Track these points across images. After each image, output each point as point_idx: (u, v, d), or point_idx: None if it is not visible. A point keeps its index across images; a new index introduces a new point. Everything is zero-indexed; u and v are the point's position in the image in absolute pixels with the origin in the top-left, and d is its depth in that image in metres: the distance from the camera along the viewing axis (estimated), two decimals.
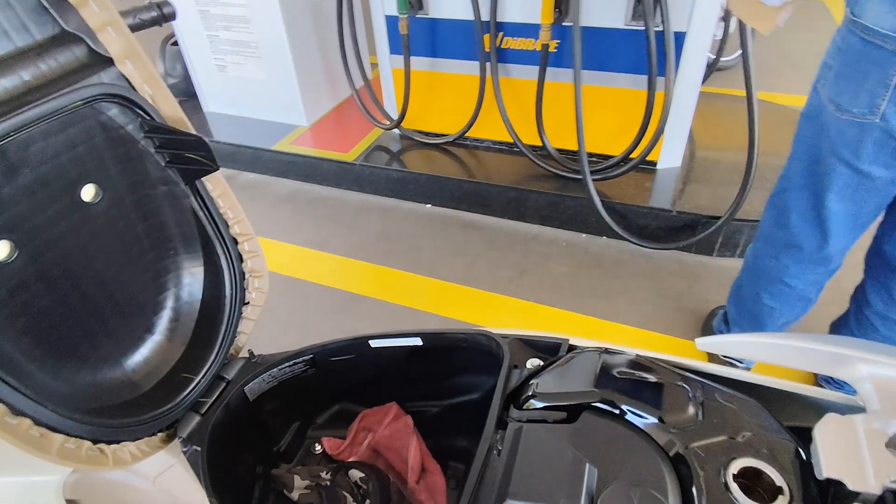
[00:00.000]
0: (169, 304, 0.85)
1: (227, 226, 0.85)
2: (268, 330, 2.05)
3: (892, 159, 1.10)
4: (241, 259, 0.87)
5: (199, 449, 0.77)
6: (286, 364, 0.91)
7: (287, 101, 2.91)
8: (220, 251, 0.85)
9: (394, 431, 0.99)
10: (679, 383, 0.62)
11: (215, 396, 0.85)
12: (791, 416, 0.63)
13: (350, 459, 0.99)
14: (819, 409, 0.63)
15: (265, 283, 0.91)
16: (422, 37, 2.43)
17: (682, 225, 2.17)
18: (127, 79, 0.72)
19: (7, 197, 0.61)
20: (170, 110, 0.76)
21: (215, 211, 0.83)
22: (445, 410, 1.01)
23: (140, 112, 0.73)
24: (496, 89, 2.30)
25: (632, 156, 2.18)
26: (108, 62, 0.70)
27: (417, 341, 0.88)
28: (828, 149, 1.19)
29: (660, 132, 2.07)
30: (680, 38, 2.01)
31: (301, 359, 0.92)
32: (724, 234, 2.12)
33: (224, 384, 0.87)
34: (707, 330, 1.89)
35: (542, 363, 0.72)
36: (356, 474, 0.90)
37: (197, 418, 0.82)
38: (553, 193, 2.32)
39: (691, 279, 2.12)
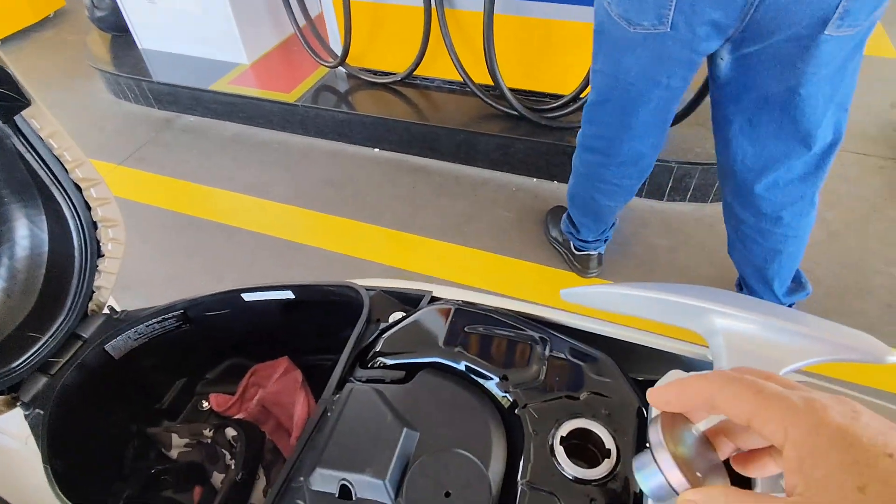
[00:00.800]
0: (5, 259, 0.76)
1: (66, 170, 0.76)
2: (204, 283, 1.98)
3: (688, 69, 1.17)
4: (88, 207, 0.78)
5: (41, 412, 0.71)
6: (154, 320, 0.85)
7: (224, 37, 2.70)
8: (59, 199, 0.76)
9: (282, 387, 0.94)
10: (529, 339, 0.57)
11: (68, 356, 0.78)
12: (649, 370, 0.58)
13: (238, 416, 0.95)
14: (677, 363, 0.58)
15: (121, 232, 0.83)
16: None
17: None
18: None
19: None
20: None
21: (47, 153, 0.73)
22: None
23: None
24: (441, 23, 2.14)
25: (582, 95, 2.08)
26: None
27: (289, 294, 0.81)
28: (630, 65, 1.20)
29: None
30: None
31: (171, 314, 0.86)
32: (674, 177, 2.06)
33: (80, 343, 0.80)
34: (554, 228, 1.96)
35: (399, 318, 0.66)
36: (230, 432, 0.85)
37: (44, 380, 0.75)
38: (503, 136, 2.22)
39: (639, 224, 2.07)
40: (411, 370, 0.57)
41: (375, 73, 2.59)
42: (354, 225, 2.15)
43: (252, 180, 2.40)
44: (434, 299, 0.68)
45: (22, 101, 0.66)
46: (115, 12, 2.86)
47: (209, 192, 2.36)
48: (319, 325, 0.91)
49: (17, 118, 0.70)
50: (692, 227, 2.03)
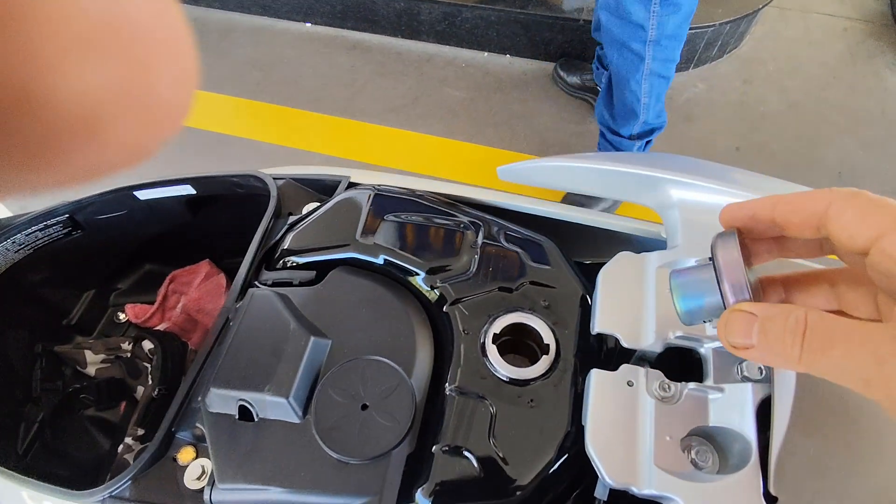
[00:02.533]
0: None
1: None
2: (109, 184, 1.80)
3: None
4: None
5: None
6: (34, 228, 0.72)
7: None
8: None
9: (205, 292, 0.86)
10: (459, 226, 0.49)
11: None
12: (595, 253, 0.52)
13: (161, 326, 0.87)
14: (626, 244, 0.52)
15: None
16: None
17: (588, 37, 1.93)
18: None
19: None
20: None
21: None
22: None
23: None
24: None
25: None
26: None
27: (189, 188, 0.70)
28: None
29: None
30: None
31: (53, 220, 0.73)
32: None
33: None
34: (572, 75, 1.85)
35: (311, 210, 0.56)
36: (147, 345, 0.78)
37: None
38: (448, 3, 1.98)
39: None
40: (324, 269, 0.49)
41: None
42: (288, 112, 1.95)
43: None
44: (352, 185, 0.58)
45: None
46: None
47: None
48: (237, 223, 0.81)
49: None
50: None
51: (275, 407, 0.39)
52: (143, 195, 0.72)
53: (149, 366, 0.80)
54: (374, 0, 2.05)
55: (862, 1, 2.19)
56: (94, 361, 0.81)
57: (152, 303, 0.91)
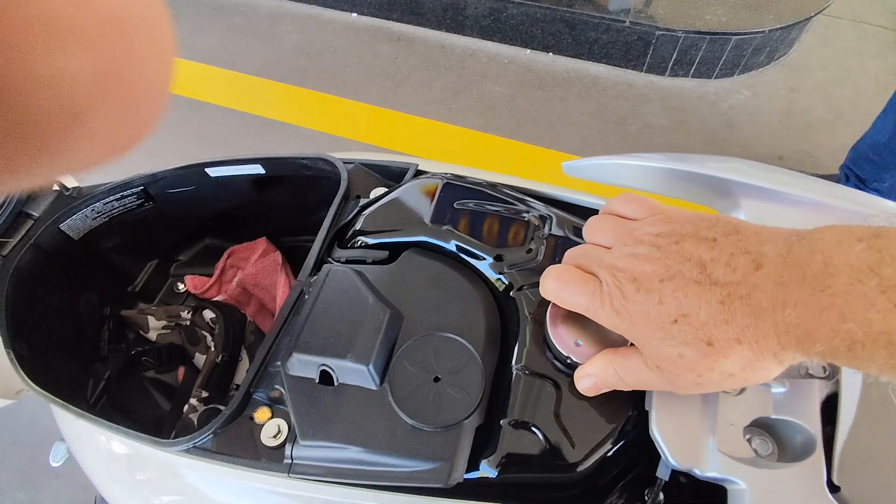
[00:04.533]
0: None
1: None
2: (170, 162, 1.86)
3: None
4: None
5: None
6: (112, 198, 0.77)
7: None
8: None
9: (262, 267, 0.90)
10: (526, 216, 0.51)
11: (20, 236, 0.71)
12: None
13: (217, 298, 0.91)
14: None
15: None
16: None
17: (634, 39, 1.93)
18: None
19: None
20: None
21: None
22: None
23: None
24: None
25: None
26: None
27: (259, 168, 0.73)
28: None
29: None
30: None
31: (129, 191, 0.78)
32: (679, 49, 1.90)
33: (32, 222, 0.73)
34: None
35: (382, 194, 0.59)
36: (208, 314, 0.82)
37: None
38: None
39: (638, 102, 1.95)
40: (395, 250, 0.52)
41: None
42: (332, 100, 1.99)
43: (216, 49, 2.17)
44: (419, 173, 0.61)
45: None
46: None
47: None
48: (296, 204, 0.84)
49: None
50: (694, 105, 1.92)
51: (355, 373, 0.42)
52: (213, 172, 0.76)
53: (207, 335, 0.84)
54: None
55: None
56: (155, 327, 0.86)
57: (210, 275, 0.95)
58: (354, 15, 2.24)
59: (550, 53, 2.09)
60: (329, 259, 0.54)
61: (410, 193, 0.54)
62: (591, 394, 0.39)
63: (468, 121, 1.91)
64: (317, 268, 0.54)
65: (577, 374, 0.39)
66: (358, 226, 0.55)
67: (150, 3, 0.17)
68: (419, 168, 0.61)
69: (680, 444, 0.36)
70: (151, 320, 0.85)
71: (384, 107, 1.96)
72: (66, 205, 0.75)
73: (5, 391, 0.89)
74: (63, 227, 0.75)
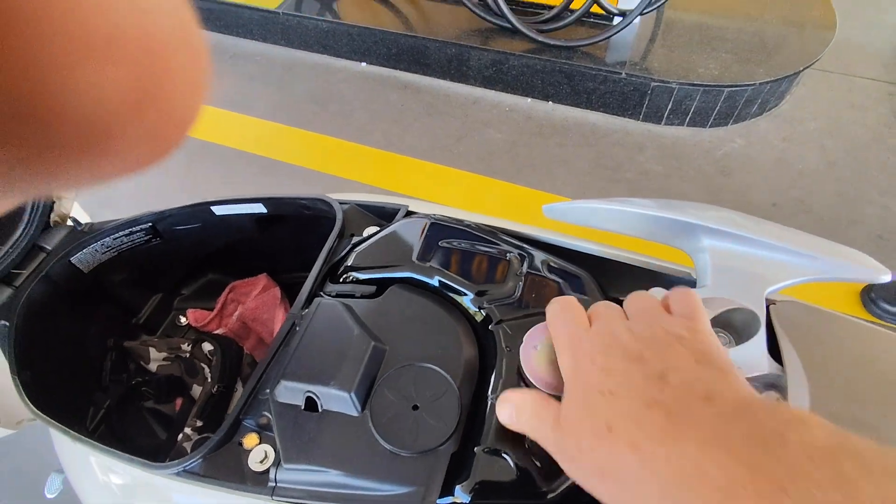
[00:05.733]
0: None
1: None
2: (180, 200, 1.93)
3: None
4: None
5: (7, 324, 0.69)
6: (121, 233, 0.81)
7: None
8: None
9: (261, 303, 0.93)
10: (506, 255, 0.54)
11: (32, 268, 0.75)
12: (630, 288, 0.56)
13: (218, 331, 0.94)
14: (659, 281, 0.56)
15: None
16: None
17: (630, 90, 2.01)
18: None
19: None
20: None
21: None
22: None
23: None
24: None
25: (572, 6, 1.94)
26: None
27: (261, 208, 0.78)
28: None
29: None
30: None
31: (138, 227, 0.82)
32: (674, 99, 1.97)
33: (44, 255, 0.77)
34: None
35: (372, 233, 0.63)
36: (207, 346, 0.84)
37: (8, 291, 0.73)
38: (497, 51, 2.10)
39: (635, 149, 2.01)
40: (383, 285, 0.55)
41: None
42: (340, 144, 2.07)
43: (232, 94, 2.28)
44: (410, 213, 0.65)
45: None
46: None
47: None
48: (295, 242, 0.88)
49: None
50: (689, 152, 1.97)
51: (337, 400, 0.45)
52: (218, 210, 0.81)
53: (205, 366, 0.87)
54: (426, 45, 2.19)
55: None
56: (156, 358, 0.89)
57: (211, 309, 0.98)
58: (363, 64, 2.36)
59: (550, 102, 2.17)
60: (321, 293, 0.58)
61: (399, 232, 0.58)
62: (506, 423, 0.38)
63: (470, 165, 1.97)
64: (309, 301, 0.57)
65: (500, 398, 0.38)
66: (349, 262, 0.58)
67: (192, 36, 0.17)
68: (409, 209, 0.65)
69: None
70: (153, 352, 0.88)
71: (389, 150, 2.03)
72: (78, 239, 0.79)
73: (7, 421, 0.91)
74: (74, 260, 0.79)
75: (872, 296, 1.49)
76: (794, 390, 0.39)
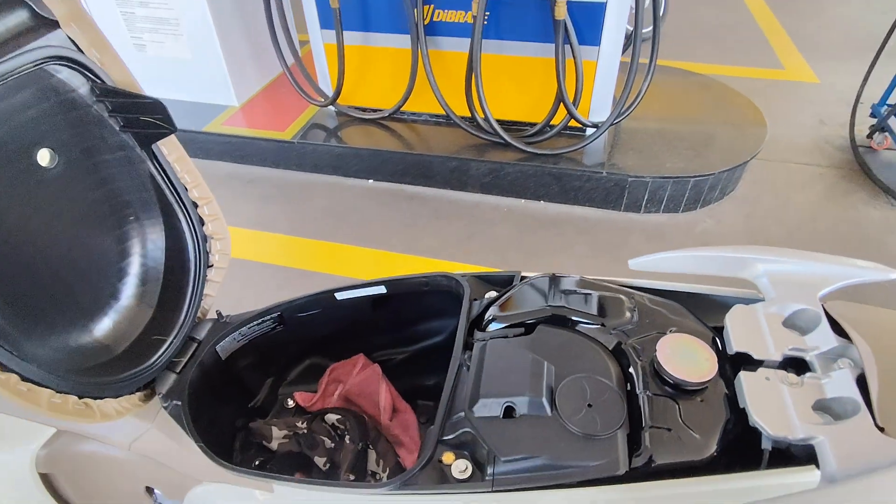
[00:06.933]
0: (132, 269, 0.86)
1: (186, 190, 0.87)
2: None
3: None
4: (202, 222, 0.89)
5: (179, 403, 0.80)
6: (255, 322, 0.95)
7: (215, 81, 2.81)
8: (180, 216, 0.86)
9: (363, 379, 1.05)
10: (617, 295, 0.72)
11: (189, 356, 0.87)
12: (707, 315, 0.75)
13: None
14: (729, 306, 0.75)
15: (227, 245, 0.93)
16: (353, 11, 2.43)
17: (611, 185, 2.33)
18: (73, 41, 0.72)
19: None
20: (120, 74, 0.77)
21: (173, 175, 0.84)
22: (411, 357, 1.08)
23: (89, 75, 0.73)
24: (426, 63, 2.34)
25: (552, 122, 2.31)
26: (54, 25, 0.70)
27: (381, 290, 0.94)
28: None
29: (578, 99, 2.23)
30: (600, 9, 2.12)
31: (269, 316, 0.96)
32: (649, 190, 2.30)
33: (196, 344, 0.90)
34: None
35: (497, 294, 0.80)
36: (332, 418, 0.95)
37: (173, 376, 0.84)
38: (493, 162, 2.41)
39: (624, 233, 2.29)
40: (527, 328, 0.71)
41: (364, 110, 2.75)
42: (360, 251, 2.27)
43: (253, 215, 2.48)
44: (523, 279, 0.83)
45: (169, 129, 0.78)
46: None
47: None
48: (399, 319, 1.03)
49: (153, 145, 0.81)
50: (671, 231, 2.26)
51: (533, 405, 0.59)
52: (340, 296, 0.96)
53: (326, 438, 0.96)
54: (430, 160, 2.50)
55: (831, 152, 2.67)
56: (277, 437, 0.98)
57: (311, 391, 1.09)
58: (371, 181, 2.64)
59: (542, 201, 2.47)
60: (472, 341, 0.73)
61: (528, 287, 0.75)
62: None
63: (484, 259, 2.19)
64: (464, 349, 0.72)
65: None
66: (492, 315, 0.74)
67: None
68: (523, 274, 0.83)
69: (772, 424, 0.54)
70: (275, 430, 0.98)
71: (408, 253, 2.24)
72: (222, 329, 0.93)
73: None
74: (218, 348, 0.92)
75: None
76: (864, 355, 0.56)
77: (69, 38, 0.71)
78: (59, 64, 0.70)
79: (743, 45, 3.72)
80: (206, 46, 2.69)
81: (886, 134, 2.57)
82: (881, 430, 0.51)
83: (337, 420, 0.95)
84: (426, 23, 2.34)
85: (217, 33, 2.64)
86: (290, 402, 1.07)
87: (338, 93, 2.61)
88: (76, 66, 0.71)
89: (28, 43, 0.66)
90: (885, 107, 2.57)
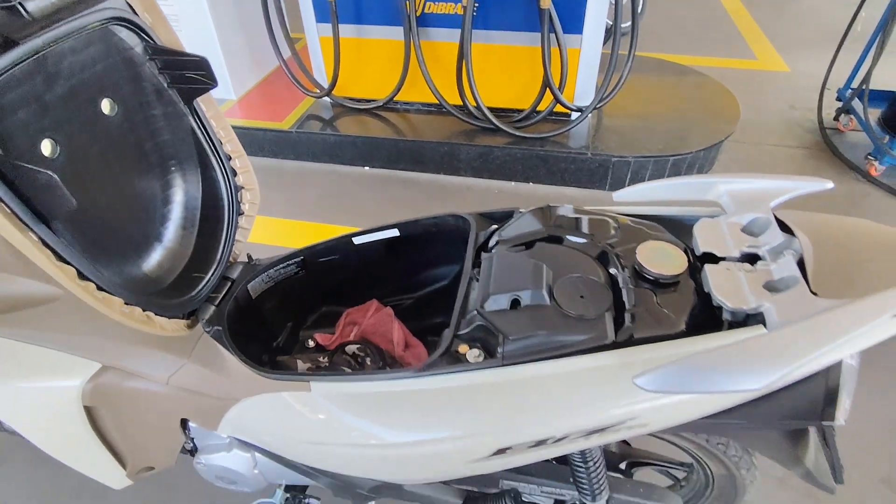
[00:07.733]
0: (173, 215, 0.96)
1: (221, 143, 0.97)
2: None
3: None
4: (234, 174, 1.00)
5: (220, 328, 0.91)
6: (280, 265, 1.05)
7: None
8: (216, 167, 0.97)
9: (377, 320, 1.16)
10: (604, 217, 0.84)
11: (224, 292, 0.98)
12: (681, 235, 0.87)
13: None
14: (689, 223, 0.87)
15: (256, 195, 1.04)
16: (347, 4, 2.54)
17: (596, 166, 2.47)
18: (130, 5, 0.83)
19: (49, 102, 0.71)
20: (167, 35, 0.88)
21: (211, 130, 0.95)
22: (419, 300, 1.19)
23: (143, 35, 0.84)
24: (418, 53, 2.46)
25: (539, 108, 2.45)
26: None
27: (395, 232, 1.05)
28: None
29: (563, 84, 2.36)
30: (582, 3, 2.27)
31: (293, 260, 1.06)
32: (632, 170, 2.44)
33: (230, 283, 1.00)
34: None
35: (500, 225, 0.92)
36: (352, 348, 1.06)
37: (213, 308, 0.95)
38: (483, 146, 2.54)
39: None
40: (528, 245, 0.83)
41: (358, 100, 2.87)
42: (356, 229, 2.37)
43: None
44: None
45: (210, 84, 0.89)
46: None
47: None
48: (409, 264, 1.14)
49: (194, 101, 0.92)
50: None
51: (535, 296, 0.71)
52: (357, 240, 1.07)
53: (345, 368, 1.07)
54: (422, 146, 2.61)
55: (801, 134, 2.84)
56: (302, 369, 1.08)
57: (329, 334, 1.20)
58: (367, 168, 2.74)
59: (531, 183, 2.60)
60: (479, 261, 0.85)
61: (529, 216, 0.87)
62: None
63: None
64: (473, 265, 0.84)
65: None
66: (499, 237, 0.86)
67: None
68: (521, 210, 0.95)
69: (731, 299, 0.66)
70: (300, 363, 1.08)
71: None
72: (252, 270, 1.03)
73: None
74: (249, 287, 1.03)
75: None
76: (803, 243, 0.69)
77: (127, 2, 0.82)
78: (120, 24, 0.81)
79: (717, 39, 3.91)
80: (204, 42, 2.79)
81: (851, 116, 2.75)
82: (815, 294, 0.63)
83: (357, 349, 1.05)
84: (418, 14, 2.46)
85: (215, 29, 2.74)
86: (311, 343, 1.17)
87: (333, 84, 2.72)
88: (133, 27, 0.82)
89: (95, 4, 0.77)
90: (850, 90, 2.74)
